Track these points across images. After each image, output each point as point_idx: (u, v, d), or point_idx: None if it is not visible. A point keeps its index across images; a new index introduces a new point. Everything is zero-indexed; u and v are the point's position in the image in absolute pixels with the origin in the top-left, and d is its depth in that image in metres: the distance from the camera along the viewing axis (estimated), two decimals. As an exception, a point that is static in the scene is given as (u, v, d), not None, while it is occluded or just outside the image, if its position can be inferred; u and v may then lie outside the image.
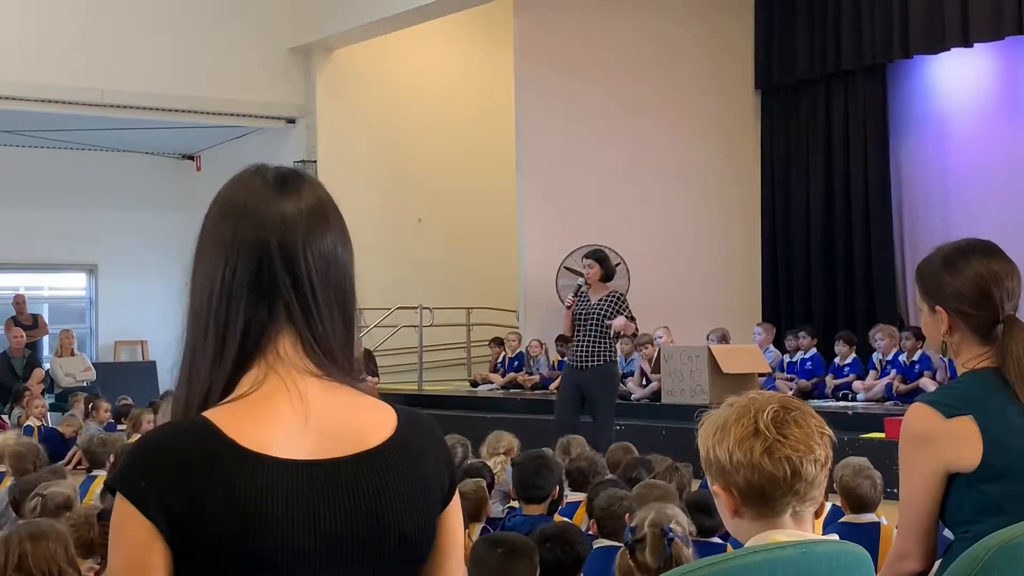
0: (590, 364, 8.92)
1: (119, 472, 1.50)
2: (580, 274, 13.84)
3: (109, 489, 1.52)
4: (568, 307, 9.10)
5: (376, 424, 1.59)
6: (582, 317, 8.96)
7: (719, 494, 1.92)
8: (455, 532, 1.66)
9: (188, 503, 1.45)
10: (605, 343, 8.93)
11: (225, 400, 1.54)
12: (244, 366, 1.56)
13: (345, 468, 1.53)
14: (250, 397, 1.53)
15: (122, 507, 1.47)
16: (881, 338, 11.46)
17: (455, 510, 1.66)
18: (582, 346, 8.96)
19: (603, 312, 8.90)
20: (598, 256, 9.17)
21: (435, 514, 1.62)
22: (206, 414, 1.51)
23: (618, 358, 9.24)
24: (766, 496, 1.86)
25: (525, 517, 5.03)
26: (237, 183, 1.64)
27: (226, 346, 1.56)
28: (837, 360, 11.93)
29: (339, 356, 1.60)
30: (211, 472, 1.46)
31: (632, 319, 8.95)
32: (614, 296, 9.03)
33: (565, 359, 13.42)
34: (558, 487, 5.21)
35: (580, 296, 9.05)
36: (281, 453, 1.50)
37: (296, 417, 1.53)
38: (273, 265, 1.57)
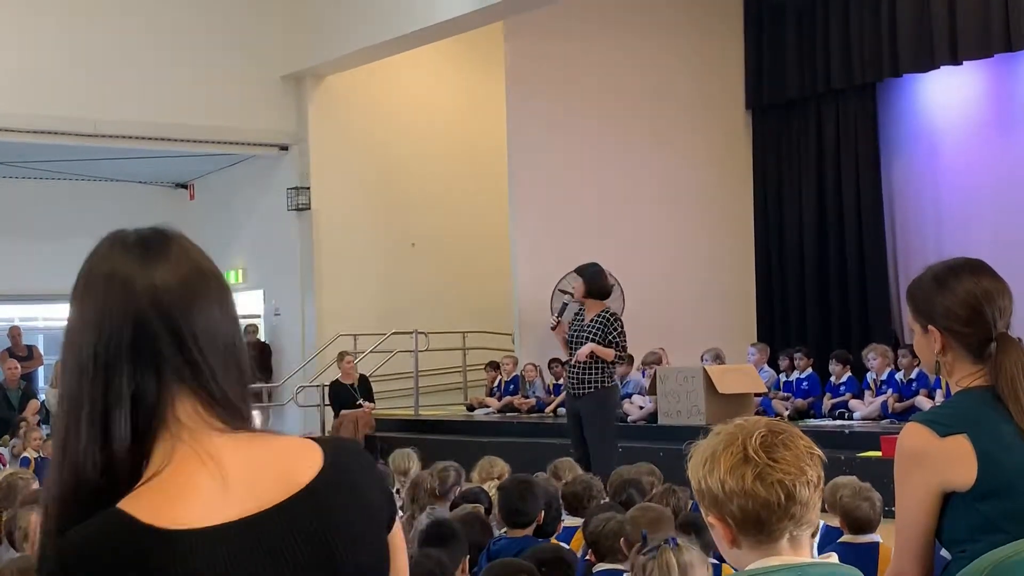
0: (583, 391, 8.41)
1: None
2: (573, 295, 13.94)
3: None
4: (552, 328, 8.67)
5: (302, 463, 1.52)
6: (574, 339, 8.44)
7: (715, 525, 1.90)
8: (401, 550, 1.64)
9: None
10: (598, 366, 8.36)
11: (138, 484, 1.46)
12: (144, 441, 1.48)
13: (279, 515, 1.47)
14: (161, 476, 1.46)
15: None
16: (874, 357, 11.47)
17: (398, 531, 1.63)
18: (576, 370, 8.43)
19: (592, 334, 8.34)
20: (584, 271, 8.54)
21: (384, 538, 1.59)
22: (121, 505, 1.43)
23: (615, 381, 8.67)
24: (762, 522, 1.84)
25: (510, 540, 5.00)
26: (96, 255, 1.57)
27: (112, 424, 1.47)
28: (832, 379, 11.93)
29: (242, 407, 1.54)
30: (138, 571, 1.39)
31: (618, 341, 8.36)
32: (605, 316, 8.42)
33: (560, 382, 13.47)
34: (544, 512, 5.17)
35: (577, 317, 8.55)
36: (209, 522, 1.43)
37: (214, 483, 1.45)
38: (151, 328, 1.49)
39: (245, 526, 1.45)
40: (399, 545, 1.63)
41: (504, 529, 5.28)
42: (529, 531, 5.05)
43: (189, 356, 1.50)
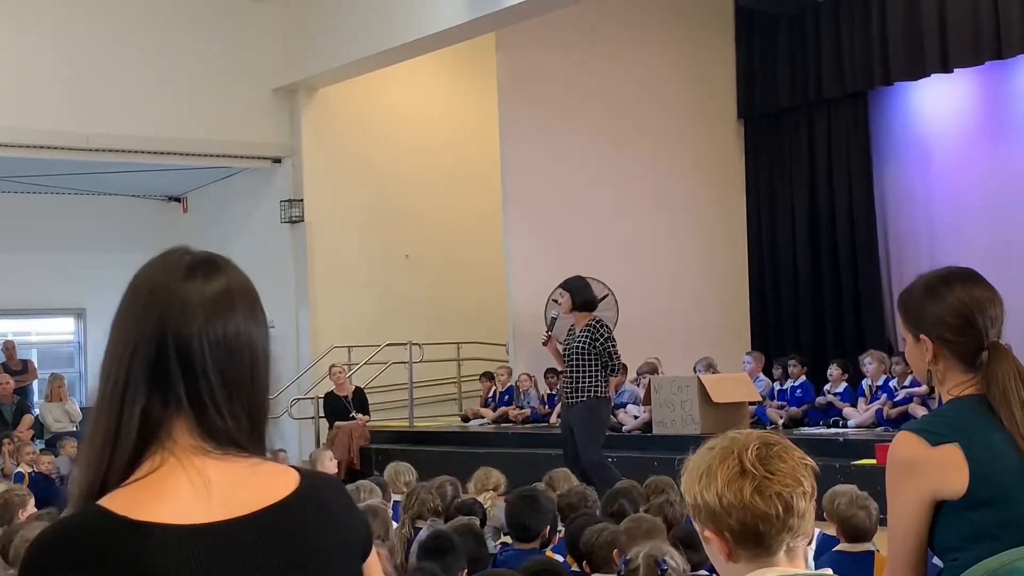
0: (574, 400, 8.59)
1: (20, 572, 1.49)
2: (565, 306, 13.96)
3: None
4: (543, 343, 8.84)
5: (277, 483, 1.58)
6: (565, 350, 8.65)
7: (711, 539, 1.89)
8: None
9: None
10: (589, 376, 8.50)
11: (123, 484, 1.53)
12: (142, 453, 1.56)
13: (250, 524, 1.53)
14: (145, 479, 1.53)
15: None
16: (870, 362, 11.49)
17: (375, 561, 1.67)
18: (568, 380, 8.64)
19: (582, 343, 8.51)
20: (570, 286, 8.71)
21: (359, 564, 1.63)
22: (101, 501, 1.51)
23: (607, 391, 8.76)
24: (761, 535, 1.84)
25: (517, 551, 5.04)
26: (150, 265, 1.65)
27: (121, 433, 1.55)
28: (828, 386, 11.95)
29: (242, 439, 1.59)
30: (106, 560, 1.45)
31: (608, 348, 8.47)
32: (592, 324, 8.59)
33: (555, 392, 13.47)
34: (550, 525, 5.21)
35: (569, 331, 8.73)
36: (181, 520, 1.49)
37: (196, 491, 1.52)
38: (167, 356, 1.56)
39: (219, 529, 1.51)
40: (375, 574, 1.67)
41: (500, 541, 5.29)
42: (536, 544, 5.08)
43: (195, 388, 1.56)
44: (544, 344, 8.81)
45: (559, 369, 9.03)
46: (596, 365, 8.53)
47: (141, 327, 1.57)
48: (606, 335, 8.56)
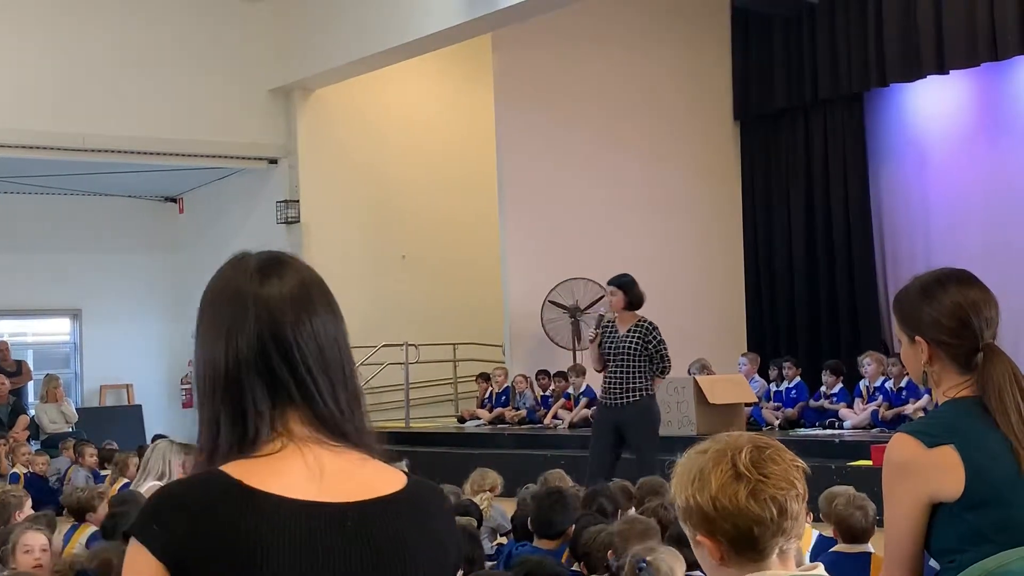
0: (627, 400, 8.32)
1: (136, 520, 1.59)
2: (565, 307, 13.96)
3: (124, 536, 1.62)
4: (591, 340, 8.50)
5: (385, 479, 1.67)
6: (611, 350, 8.36)
7: (703, 543, 1.88)
8: None
9: (193, 542, 1.53)
10: (640, 376, 8.31)
11: (243, 457, 1.63)
12: (262, 439, 1.64)
13: (352, 512, 1.60)
14: (267, 457, 1.62)
15: (134, 549, 1.56)
16: (869, 363, 11.50)
17: None
18: (615, 381, 8.34)
19: (633, 343, 8.31)
20: (621, 282, 8.48)
21: (451, 573, 1.68)
22: (222, 467, 1.61)
23: (654, 391, 8.53)
24: (755, 539, 1.84)
25: (535, 549, 5.02)
26: (222, 275, 1.71)
27: (246, 419, 1.64)
28: (823, 389, 11.95)
29: (348, 429, 1.67)
30: (216, 513, 1.55)
31: (660, 351, 8.34)
32: (645, 325, 8.39)
33: (548, 393, 13.47)
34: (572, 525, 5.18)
35: (608, 327, 8.44)
36: (291, 494, 1.57)
37: (310, 472, 1.61)
38: (268, 351, 1.64)
39: (325, 509, 1.59)
40: None
41: (502, 539, 5.29)
42: (556, 543, 5.05)
43: (300, 379, 1.64)
44: (592, 340, 8.50)
45: (597, 369, 8.69)
46: (646, 365, 8.36)
47: (237, 329, 1.64)
48: (659, 336, 8.39)
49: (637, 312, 8.45)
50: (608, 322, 8.51)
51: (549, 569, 4.01)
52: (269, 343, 1.63)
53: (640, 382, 8.31)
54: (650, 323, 8.43)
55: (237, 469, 1.59)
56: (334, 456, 1.63)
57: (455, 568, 1.68)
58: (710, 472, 1.85)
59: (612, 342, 8.37)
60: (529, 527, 5.37)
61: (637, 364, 8.30)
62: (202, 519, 1.54)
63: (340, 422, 1.65)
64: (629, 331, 8.35)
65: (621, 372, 8.32)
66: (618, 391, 8.34)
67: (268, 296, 1.66)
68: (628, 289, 8.41)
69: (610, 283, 8.57)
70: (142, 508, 1.61)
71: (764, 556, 1.86)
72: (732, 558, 1.87)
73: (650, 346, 8.32)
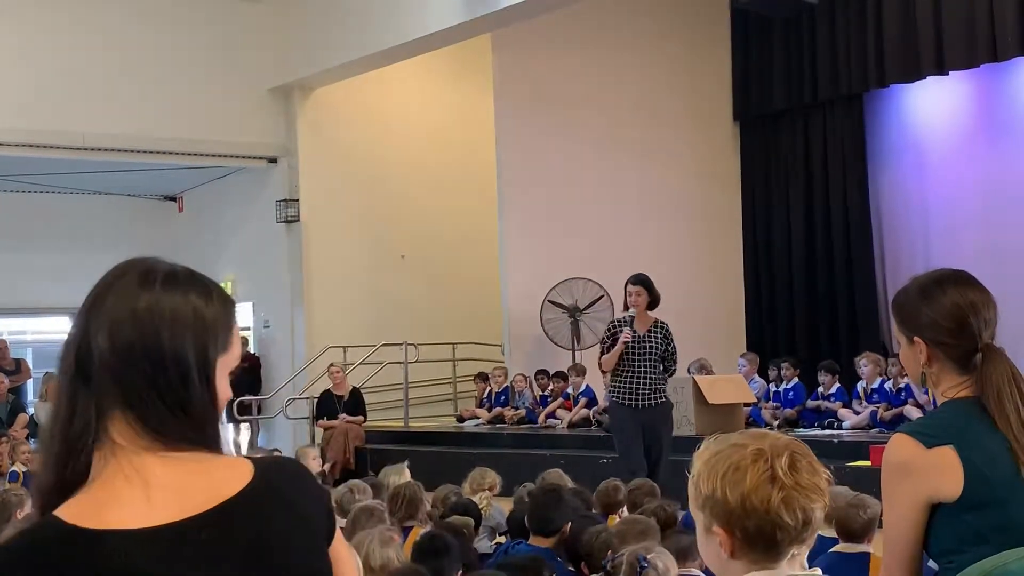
0: (655, 401, 8.34)
1: None
2: (564, 307, 13.96)
3: None
4: (624, 341, 8.31)
5: (228, 478, 1.59)
6: (635, 351, 8.31)
7: (718, 534, 1.86)
8: (344, 561, 1.69)
9: None
10: (662, 378, 8.38)
11: (78, 490, 1.56)
12: (91, 453, 1.58)
13: (204, 523, 1.54)
14: (95, 483, 1.56)
15: None
16: (866, 364, 11.50)
17: (340, 542, 1.69)
18: (641, 382, 8.30)
19: (657, 344, 8.33)
20: (645, 280, 8.46)
21: (324, 549, 1.64)
22: (57, 511, 1.54)
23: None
24: (775, 543, 1.84)
25: (531, 547, 5.03)
26: (109, 273, 1.68)
27: (71, 433, 1.58)
28: (821, 389, 11.95)
29: (190, 436, 1.59)
30: (68, 567, 1.48)
31: (674, 351, 8.43)
32: (663, 326, 8.43)
33: (547, 393, 13.47)
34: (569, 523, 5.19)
35: (621, 325, 8.42)
36: (129, 525, 1.51)
37: (136, 493, 1.54)
38: (106, 353, 1.58)
39: (171, 531, 1.52)
40: (343, 556, 1.69)
41: (500, 538, 5.29)
42: (551, 542, 5.06)
43: (127, 383, 1.57)
44: (625, 342, 8.35)
45: (605, 370, 8.68)
46: (662, 366, 8.43)
47: (84, 334, 1.62)
48: (671, 337, 8.48)
49: (652, 313, 8.47)
50: (620, 320, 8.51)
51: (536, 565, 4.00)
52: (105, 353, 1.59)
53: (663, 383, 8.43)
54: (665, 324, 8.49)
55: (71, 510, 1.53)
56: (166, 463, 1.56)
57: (328, 532, 1.65)
58: (747, 468, 1.83)
59: (635, 342, 8.35)
60: (526, 525, 5.38)
61: (659, 365, 8.37)
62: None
63: (167, 430, 1.58)
64: (650, 331, 8.38)
65: (647, 373, 8.33)
66: (647, 392, 8.33)
67: (133, 306, 1.62)
68: (651, 287, 8.42)
69: (634, 282, 8.52)
70: None
71: (776, 560, 1.86)
72: (743, 555, 1.86)
73: (670, 346, 8.40)
